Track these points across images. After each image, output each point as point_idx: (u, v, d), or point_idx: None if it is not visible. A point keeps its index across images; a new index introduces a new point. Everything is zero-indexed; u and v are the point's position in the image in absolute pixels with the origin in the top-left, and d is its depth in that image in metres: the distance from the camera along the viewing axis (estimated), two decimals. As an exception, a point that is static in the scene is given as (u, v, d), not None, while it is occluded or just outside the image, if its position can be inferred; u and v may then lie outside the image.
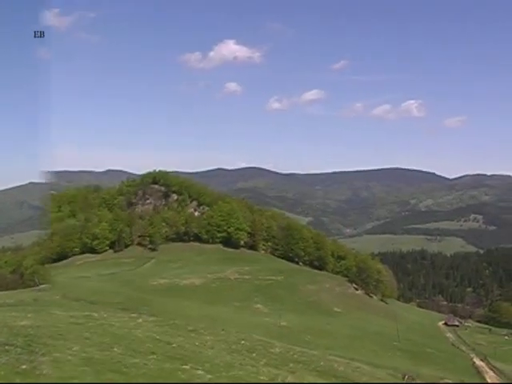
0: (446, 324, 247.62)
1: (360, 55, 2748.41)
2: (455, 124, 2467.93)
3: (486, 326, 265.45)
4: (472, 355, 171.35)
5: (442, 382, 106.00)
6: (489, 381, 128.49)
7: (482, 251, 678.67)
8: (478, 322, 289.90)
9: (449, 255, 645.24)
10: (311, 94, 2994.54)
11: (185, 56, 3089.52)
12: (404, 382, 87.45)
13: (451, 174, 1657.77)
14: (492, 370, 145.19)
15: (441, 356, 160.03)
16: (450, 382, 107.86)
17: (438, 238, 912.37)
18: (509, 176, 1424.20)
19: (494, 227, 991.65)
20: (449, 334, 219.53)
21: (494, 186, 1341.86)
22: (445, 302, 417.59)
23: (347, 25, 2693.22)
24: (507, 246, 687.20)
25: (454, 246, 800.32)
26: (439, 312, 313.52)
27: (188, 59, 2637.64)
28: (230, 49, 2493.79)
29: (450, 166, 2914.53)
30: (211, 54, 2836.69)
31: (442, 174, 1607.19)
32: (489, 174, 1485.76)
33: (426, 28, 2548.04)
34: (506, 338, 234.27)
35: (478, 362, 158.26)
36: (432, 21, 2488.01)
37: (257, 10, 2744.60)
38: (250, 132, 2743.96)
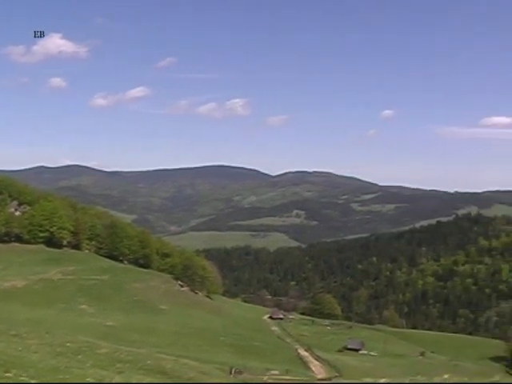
0: (271, 317, 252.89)
1: (186, 53, 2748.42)
2: (278, 122, 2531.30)
3: (310, 317, 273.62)
4: (297, 346, 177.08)
5: (268, 373, 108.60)
6: (313, 369, 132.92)
7: (304, 246, 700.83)
8: (302, 314, 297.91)
9: (272, 250, 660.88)
10: (136, 91, 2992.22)
11: (7, 49, 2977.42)
12: (231, 375, 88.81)
13: (274, 171, 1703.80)
14: (316, 359, 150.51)
15: (267, 348, 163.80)
16: (277, 372, 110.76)
17: (262, 233, 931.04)
18: (329, 172, 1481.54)
19: (316, 222, 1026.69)
20: (274, 327, 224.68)
21: (315, 182, 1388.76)
22: (269, 296, 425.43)
23: (173, 22, 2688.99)
24: (328, 240, 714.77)
25: (277, 242, 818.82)
26: (264, 306, 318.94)
27: (10, 52, 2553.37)
28: (56, 43, 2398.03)
29: (273, 163, 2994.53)
30: (35, 47, 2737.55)
31: (265, 171, 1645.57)
32: (310, 170, 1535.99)
33: (251, 27, 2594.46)
34: (329, 328, 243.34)
35: (302, 352, 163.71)
36: (256, 20, 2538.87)
37: (84, 3, 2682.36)
38: (74, 129, 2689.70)
